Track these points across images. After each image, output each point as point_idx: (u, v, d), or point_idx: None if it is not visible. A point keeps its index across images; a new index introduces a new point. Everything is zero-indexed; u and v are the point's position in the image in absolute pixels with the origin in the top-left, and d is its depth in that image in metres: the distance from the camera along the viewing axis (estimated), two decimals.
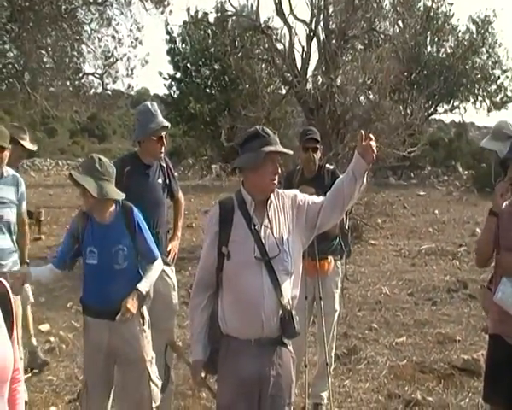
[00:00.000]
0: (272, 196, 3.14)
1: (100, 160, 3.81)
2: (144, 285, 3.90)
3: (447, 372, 5.69)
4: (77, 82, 18.80)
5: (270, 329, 3.02)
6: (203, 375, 3.22)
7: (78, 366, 6.01)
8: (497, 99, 30.06)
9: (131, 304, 3.76)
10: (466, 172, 27.67)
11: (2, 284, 2.22)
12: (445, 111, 30.86)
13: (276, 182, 3.11)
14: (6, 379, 2.09)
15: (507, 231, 3.55)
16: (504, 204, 3.63)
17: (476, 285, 8.70)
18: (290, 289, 3.08)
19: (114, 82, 19.41)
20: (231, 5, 16.16)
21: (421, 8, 23.48)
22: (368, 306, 8.13)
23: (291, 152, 3.18)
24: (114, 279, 3.83)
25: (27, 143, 5.74)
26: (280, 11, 14.74)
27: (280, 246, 3.04)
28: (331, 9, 15.22)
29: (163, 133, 4.70)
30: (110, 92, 20.09)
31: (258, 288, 2.99)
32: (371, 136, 2.98)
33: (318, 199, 3.19)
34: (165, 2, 17.66)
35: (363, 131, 2.99)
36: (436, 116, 33.30)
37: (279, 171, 3.11)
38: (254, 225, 3.07)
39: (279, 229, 3.09)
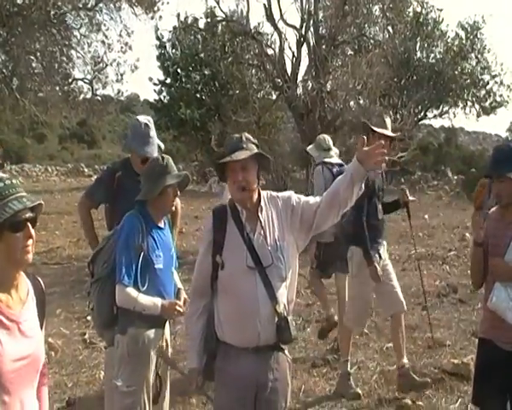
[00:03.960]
0: (262, 202, 3.10)
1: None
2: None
3: (437, 377, 5.66)
4: (66, 87, 18.77)
5: (266, 337, 3.00)
6: (200, 382, 3.20)
7: (67, 373, 5.98)
8: (486, 104, 30.21)
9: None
10: (455, 177, 27.85)
11: (39, 281, 2.37)
12: (435, 116, 31.06)
13: (239, 190, 3.01)
14: (38, 369, 2.26)
15: (493, 237, 3.58)
16: (490, 211, 3.70)
17: (466, 290, 8.72)
18: (286, 294, 3.06)
19: (104, 87, 19.42)
20: (221, 11, 16.27)
21: (411, 14, 23.52)
22: None
23: (242, 156, 2.98)
24: (171, 284, 3.82)
25: None
26: (270, 16, 14.79)
27: (273, 253, 3.00)
28: (321, 15, 15.33)
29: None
30: (100, 98, 20.07)
31: (253, 297, 2.96)
32: (381, 142, 2.91)
33: (314, 199, 3.11)
34: (155, 8, 17.68)
35: (365, 137, 2.91)
36: (426, 121, 33.47)
37: (240, 178, 2.98)
38: (247, 233, 3.04)
39: (273, 235, 3.05)
